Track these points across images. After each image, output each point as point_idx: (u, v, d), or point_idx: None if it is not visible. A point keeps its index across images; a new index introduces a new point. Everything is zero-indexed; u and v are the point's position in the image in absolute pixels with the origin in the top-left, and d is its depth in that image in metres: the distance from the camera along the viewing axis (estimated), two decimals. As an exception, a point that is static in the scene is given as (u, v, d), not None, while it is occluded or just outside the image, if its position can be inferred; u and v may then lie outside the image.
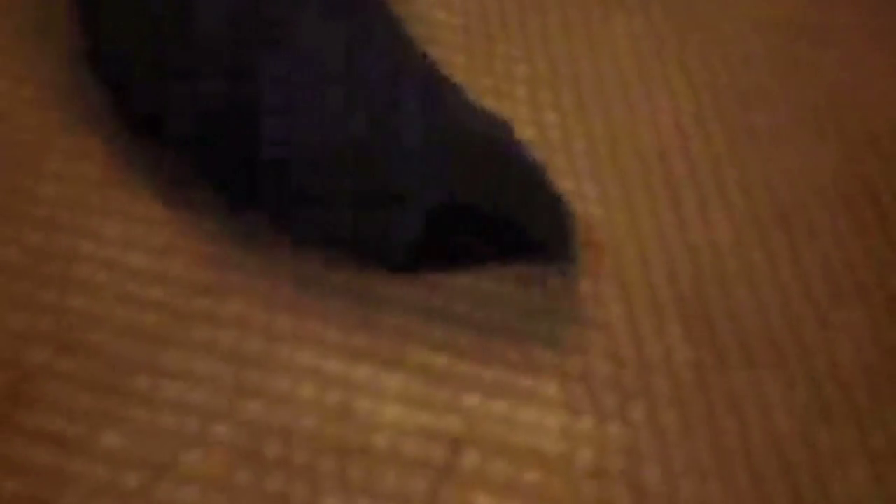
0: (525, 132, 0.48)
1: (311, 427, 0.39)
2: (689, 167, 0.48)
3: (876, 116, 0.51)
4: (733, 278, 0.45)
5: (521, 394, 0.41)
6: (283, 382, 0.41)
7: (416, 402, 0.40)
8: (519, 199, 0.42)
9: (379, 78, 0.43)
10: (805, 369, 0.42)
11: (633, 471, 0.39)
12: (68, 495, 0.37)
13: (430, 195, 0.42)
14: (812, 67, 0.53)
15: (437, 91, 0.43)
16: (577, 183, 0.46)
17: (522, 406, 0.41)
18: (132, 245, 0.44)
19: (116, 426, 0.39)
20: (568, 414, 0.40)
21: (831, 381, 0.42)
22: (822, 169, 0.49)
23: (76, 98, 0.49)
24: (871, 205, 0.48)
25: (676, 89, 0.51)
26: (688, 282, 0.44)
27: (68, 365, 0.41)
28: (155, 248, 0.44)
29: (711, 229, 0.46)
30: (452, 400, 0.41)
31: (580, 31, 0.53)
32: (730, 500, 0.39)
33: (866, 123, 0.51)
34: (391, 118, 0.42)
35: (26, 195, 0.45)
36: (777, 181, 0.48)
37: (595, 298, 0.44)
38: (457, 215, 0.42)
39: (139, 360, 0.41)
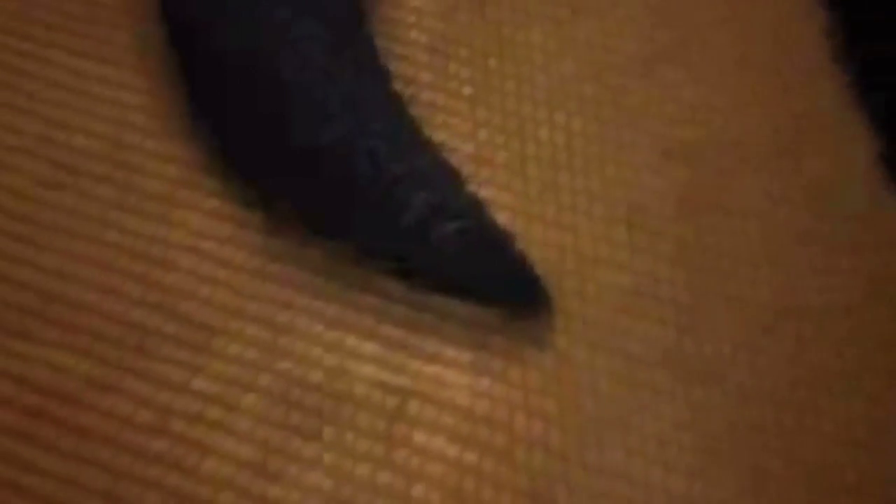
0: (465, 148, 0.70)
1: (317, 380, 0.63)
2: (570, 176, 0.71)
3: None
4: (589, 277, 0.68)
5: (448, 360, 0.62)
6: (300, 346, 0.63)
7: (382, 364, 0.62)
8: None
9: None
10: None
11: (508, 418, 0.64)
12: (174, 423, 0.61)
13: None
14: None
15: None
16: (495, 192, 0.69)
17: (448, 369, 0.62)
18: (206, 235, 0.65)
19: (203, 374, 0.63)
20: (474, 375, 0.64)
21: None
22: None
23: (161, 102, 0.71)
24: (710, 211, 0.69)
25: (571, 109, 0.72)
26: (556, 276, 0.68)
27: (171, 328, 0.63)
28: (222, 238, 0.66)
29: (574, 230, 0.68)
30: (404, 363, 0.62)
31: (509, 47, 0.74)
32: (568, 441, 0.61)
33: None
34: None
35: (137, 191, 0.68)
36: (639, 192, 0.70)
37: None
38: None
39: (215, 326, 0.63)
